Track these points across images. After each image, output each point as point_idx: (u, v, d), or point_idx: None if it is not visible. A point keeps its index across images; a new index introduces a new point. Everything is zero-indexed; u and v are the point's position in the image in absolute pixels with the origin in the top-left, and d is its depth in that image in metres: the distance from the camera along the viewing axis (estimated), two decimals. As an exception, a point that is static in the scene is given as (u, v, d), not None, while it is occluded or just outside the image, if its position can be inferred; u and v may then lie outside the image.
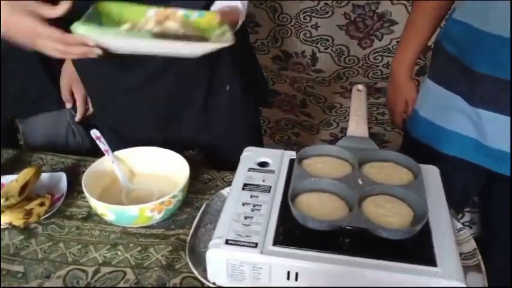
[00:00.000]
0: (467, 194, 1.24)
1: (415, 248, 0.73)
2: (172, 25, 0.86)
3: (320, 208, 0.77)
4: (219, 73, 1.12)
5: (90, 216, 0.95)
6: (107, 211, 0.87)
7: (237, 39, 0.86)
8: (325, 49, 2.23)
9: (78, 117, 1.28)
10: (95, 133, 1.00)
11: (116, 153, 1.01)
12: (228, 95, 1.16)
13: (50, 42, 0.79)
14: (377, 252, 0.72)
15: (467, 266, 0.82)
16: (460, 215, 1.48)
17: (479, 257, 0.84)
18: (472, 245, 0.86)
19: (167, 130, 1.14)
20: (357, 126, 0.93)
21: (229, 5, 0.96)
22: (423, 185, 0.80)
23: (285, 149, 0.98)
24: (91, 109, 1.27)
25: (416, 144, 1.19)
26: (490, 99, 1.01)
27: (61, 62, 1.22)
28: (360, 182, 0.81)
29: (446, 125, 1.12)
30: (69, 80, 1.23)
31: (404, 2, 2.07)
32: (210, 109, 1.14)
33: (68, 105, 1.26)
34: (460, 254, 0.77)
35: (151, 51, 0.84)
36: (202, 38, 0.84)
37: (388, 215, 0.76)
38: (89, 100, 1.26)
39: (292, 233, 0.76)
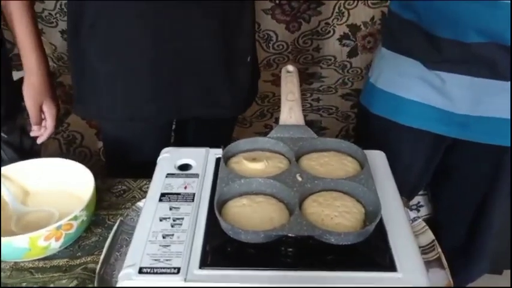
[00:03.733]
0: (428, 167, 1.18)
1: (371, 252, 0.61)
2: None
3: (254, 216, 0.63)
4: (242, 42, 1.05)
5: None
6: (-13, 246, 0.68)
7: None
8: (252, 36, 2.11)
9: (42, 139, 1.06)
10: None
11: (3, 169, 0.82)
12: (248, 67, 1.08)
13: None
14: (327, 263, 0.60)
15: (428, 261, 0.72)
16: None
17: (439, 249, 0.74)
18: (429, 236, 0.76)
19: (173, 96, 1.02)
20: (290, 112, 0.81)
21: None
22: (371, 174, 0.69)
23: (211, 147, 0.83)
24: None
25: (374, 119, 1.12)
26: (454, 62, 0.96)
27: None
28: (299, 179, 0.67)
29: (406, 95, 1.05)
30: (38, 98, 1.01)
31: (328, -19, 1.99)
32: (233, 79, 1.05)
33: (36, 132, 1.04)
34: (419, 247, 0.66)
35: None
36: None
37: (336, 215, 0.63)
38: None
39: (223, 250, 0.62)
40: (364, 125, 1.21)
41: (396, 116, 1.08)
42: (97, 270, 0.68)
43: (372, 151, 0.80)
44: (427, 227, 0.78)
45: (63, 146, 1.59)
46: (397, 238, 0.63)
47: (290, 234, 0.59)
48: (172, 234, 0.64)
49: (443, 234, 1.23)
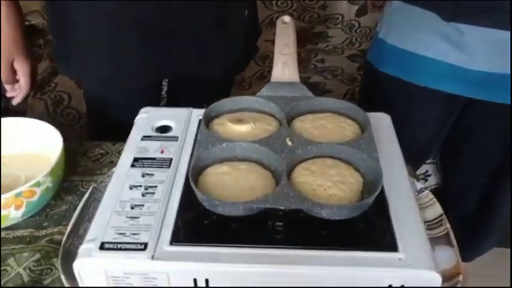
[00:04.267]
0: (440, 131, 1.09)
1: (369, 229, 0.53)
2: None
3: (235, 185, 0.55)
4: None
5: None
6: None
7: None
8: (254, -8, 1.98)
9: (18, 101, 0.95)
10: None
11: (-36, 130, 0.74)
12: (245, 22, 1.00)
13: None
14: (317, 241, 0.51)
15: (434, 237, 0.64)
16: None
17: (448, 225, 0.65)
18: (437, 210, 0.68)
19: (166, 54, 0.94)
20: (284, 68, 0.71)
21: None
22: (373, 139, 0.60)
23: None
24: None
25: (383, 79, 1.02)
26: (473, 12, 0.87)
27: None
28: (289, 143, 0.59)
29: (419, 51, 0.95)
30: (8, 53, 0.90)
31: None
32: (227, 34, 0.96)
33: (10, 92, 0.94)
34: (424, 223, 0.58)
35: None
36: None
37: (329, 186, 0.55)
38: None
39: (198, 224, 0.54)
40: (371, 84, 1.11)
41: (408, 75, 0.98)
42: (62, 242, 0.61)
43: (376, 113, 0.71)
44: (435, 200, 0.69)
45: (50, 107, 1.51)
46: (400, 213, 0.54)
47: (274, 207, 0.51)
48: (143, 205, 0.56)
49: (452, 205, 1.16)
